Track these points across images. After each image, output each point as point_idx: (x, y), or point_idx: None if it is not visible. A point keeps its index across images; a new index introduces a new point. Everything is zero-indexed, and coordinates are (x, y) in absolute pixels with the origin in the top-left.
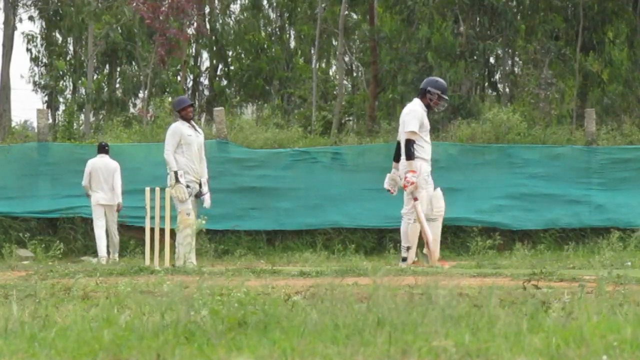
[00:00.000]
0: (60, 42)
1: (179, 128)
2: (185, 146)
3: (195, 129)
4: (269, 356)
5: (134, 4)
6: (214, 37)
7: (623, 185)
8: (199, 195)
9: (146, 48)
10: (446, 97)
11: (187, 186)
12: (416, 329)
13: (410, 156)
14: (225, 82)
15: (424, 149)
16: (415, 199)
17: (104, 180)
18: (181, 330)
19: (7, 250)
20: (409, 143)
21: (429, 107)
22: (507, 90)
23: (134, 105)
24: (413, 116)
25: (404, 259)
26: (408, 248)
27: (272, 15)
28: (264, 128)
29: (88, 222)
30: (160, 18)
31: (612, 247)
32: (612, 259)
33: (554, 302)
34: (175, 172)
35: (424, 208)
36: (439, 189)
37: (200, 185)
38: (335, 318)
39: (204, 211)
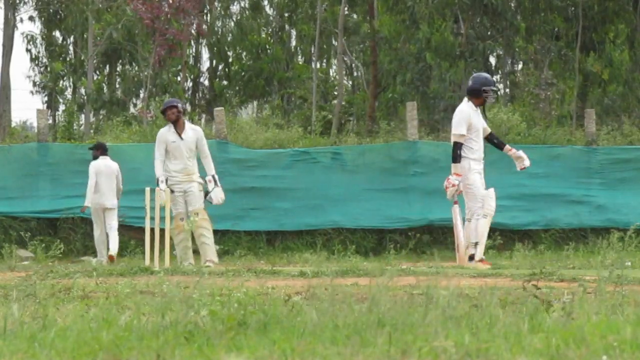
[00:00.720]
0: (60, 42)
1: (163, 135)
2: (170, 152)
3: (180, 134)
4: (269, 356)
5: (133, 4)
6: (214, 38)
7: (623, 186)
8: (205, 195)
9: (146, 48)
10: (495, 88)
11: (172, 191)
12: (416, 329)
13: (455, 159)
14: (225, 83)
15: (473, 149)
16: (456, 202)
17: (106, 183)
18: (181, 331)
19: (7, 250)
20: (456, 146)
21: (482, 105)
22: (508, 90)
23: (134, 106)
24: (460, 118)
25: (471, 257)
26: (476, 244)
27: (272, 14)
28: (264, 128)
29: (88, 223)
30: (161, 18)
31: (612, 247)
32: (612, 259)
33: (554, 303)
34: (157, 179)
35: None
36: (492, 190)
37: (205, 184)
38: (335, 318)
39: (211, 209)
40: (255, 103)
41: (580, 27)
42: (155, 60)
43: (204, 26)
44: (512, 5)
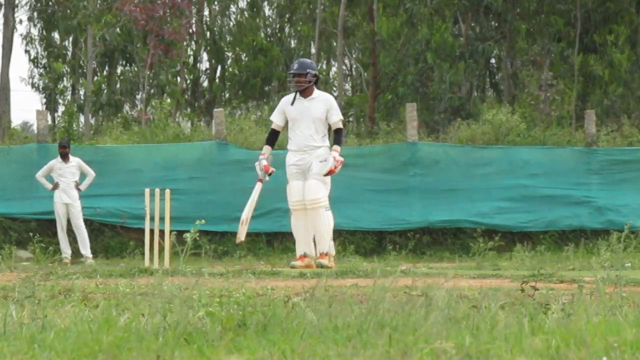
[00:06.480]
0: (59, 43)
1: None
2: None
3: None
4: (269, 358)
5: (126, 7)
6: (212, 38)
7: (623, 187)
8: None
9: (144, 49)
10: (291, 72)
11: None
12: (416, 330)
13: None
14: (223, 84)
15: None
16: (260, 180)
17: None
18: (181, 332)
19: (6, 251)
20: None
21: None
22: (509, 91)
23: (133, 107)
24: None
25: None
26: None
27: (271, 14)
28: (264, 129)
29: (87, 223)
30: (159, 14)
31: (612, 248)
32: (612, 260)
33: (554, 304)
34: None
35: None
36: (294, 183)
37: None
38: (335, 319)
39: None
40: (249, 104)
41: (579, 28)
42: (151, 61)
43: (195, 26)
44: (514, 8)
